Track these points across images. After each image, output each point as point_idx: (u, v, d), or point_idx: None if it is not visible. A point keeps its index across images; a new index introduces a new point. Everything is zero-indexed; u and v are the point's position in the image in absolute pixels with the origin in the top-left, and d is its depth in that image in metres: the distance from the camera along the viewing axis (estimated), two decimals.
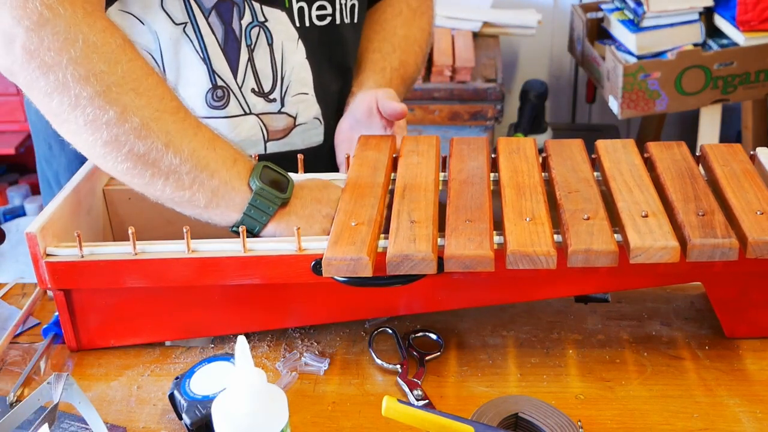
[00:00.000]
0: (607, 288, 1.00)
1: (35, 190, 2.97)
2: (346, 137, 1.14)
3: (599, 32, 2.58)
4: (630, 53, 2.37)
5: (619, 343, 0.97)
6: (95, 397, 0.90)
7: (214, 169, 0.91)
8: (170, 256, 0.90)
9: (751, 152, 1.02)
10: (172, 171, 0.89)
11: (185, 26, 1.03)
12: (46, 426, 0.78)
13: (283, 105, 1.11)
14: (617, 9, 2.51)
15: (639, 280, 0.95)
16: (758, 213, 0.87)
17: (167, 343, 0.99)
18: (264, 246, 0.90)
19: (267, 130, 1.12)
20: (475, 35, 2.65)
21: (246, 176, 0.93)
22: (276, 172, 0.95)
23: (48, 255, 0.91)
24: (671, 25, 2.36)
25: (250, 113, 1.10)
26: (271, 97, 1.10)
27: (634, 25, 2.38)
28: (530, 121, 2.71)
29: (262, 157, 1.11)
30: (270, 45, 1.08)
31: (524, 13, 2.72)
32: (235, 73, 1.07)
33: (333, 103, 1.16)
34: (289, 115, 1.12)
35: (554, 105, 3.06)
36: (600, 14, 2.59)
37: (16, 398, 0.90)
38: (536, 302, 1.03)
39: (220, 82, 1.06)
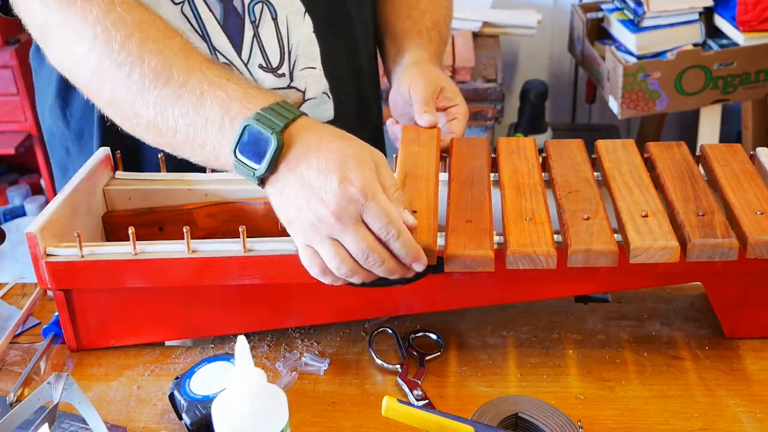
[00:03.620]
0: (607, 288, 1.00)
1: (35, 190, 2.97)
2: (400, 111, 1.14)
3: (599, 32, 2.59)
4: (630, 53, 2.37)
5: (619, 343, 0.97)
6: (95, 397, 0.90)
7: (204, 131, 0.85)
8: (170, 256, 0.90)
9: (751, 152, 1.02)
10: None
11: (182, 5, 1.03)
12: (46, 426, 0.79)
13: (292, 79, 1.10)
14: (617, 9, 2.51)
15: (639, 280, 0.95)
16: (758, 213, 0.87)
17: (167, 343, 0.99)
18: (264, 246, 0.90)
19: None
20: (475, 35, 2.65)
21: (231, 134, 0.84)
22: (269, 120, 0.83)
23: (48, 255, 0.91)
24: (671, 25, 2.36)
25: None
26: (280, 71, 1.09)
27: (634, 25, 2.38)
28: (530, 121, 2.71)
29: None
30: (274, 20, 1.07)
31: (524, 13, 2.72)
32: (239, 50, 1.06)
33: (342, 78, 1.15)
34: (299, 90, 1.11)
35: (554, 105, 3.06)
36: (600, 14, 2.59)
37: (16, 398, 0.90)
38: (536, 302, 1.03)
39: (222, 59, 1.06)
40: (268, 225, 0.99)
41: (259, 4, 1.06)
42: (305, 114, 0.85)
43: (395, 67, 1.17)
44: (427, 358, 0.94)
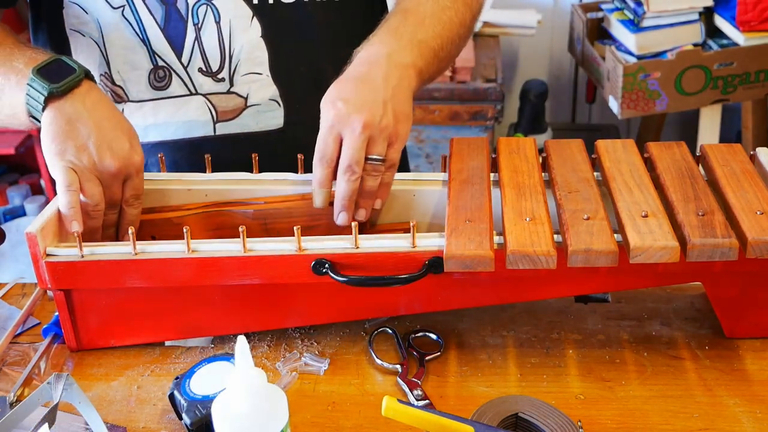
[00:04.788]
0: (607, 288, 1.00)
1: (35, 190, 2.97)
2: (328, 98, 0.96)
3: (599, 32, 2.59)
4: (630, 53, 2.37)
5: (619, 343, 0.97)
6: (95, 397, 0.90)
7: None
8: (170, 256, 0.90)
9: (751, 152, 1.02)
10: None
11: (123, 9, 1.04)
12: (46, 426, 0.79)
13: (232, 84, 1.09)
14: (617, 9, 2.51)
15: (639, 280, 0.95)
16: (758, 213, 0.87)
17: (167, 343, 0.99)
18: (264, 246, 0.90)
19: (216, 111, 1.10)
20: (475, 35, 2.65)
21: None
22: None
23: (48, 255, 0.91)
24: (671, 25, 2.36)
25: (197, 93, 1.09)
26: (219, 76, 1.08)
27: (634, 25, 2.38)
28: (530, 121, 2.71)
29: (211, 139, 1.12)
30: (217, 23, 1.06)
31: (524, 13, 2.72)
32: (179, 53, 1.06)
33: (298, 84, 1.12)
34: (239, 96, 1.10)
35: (554, 105, 3.06)
36: (600, 14, 2.59)
37: (16, 398, 0.90)
38: (536, 302, 1.03)
39: (161, 63, 1.06)
40: (257, 233, 0.99)
41: (204, 6, 1.05)
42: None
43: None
44: (427, 358, 0.94)
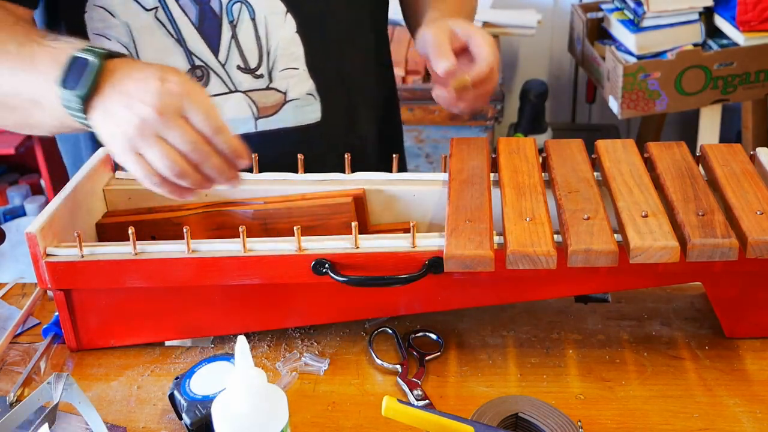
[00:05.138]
0: (607, 288, 1.00)
1: (35, 190, 2.97)
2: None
3: (599, 32, 2.59)
4: (630, 53, 2.37)
5: (619, 343, 0.97)
6: (95, 397, 0.90)
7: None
8: (170, 256, 0.90)
9: (751, 152, 1.02)
10: None
11: (156, 11, 1.03)
12: (46, 426, 0.79)
13: (271, 80, 1.10)
14: (617, 9, 2.51)
15: (639, 280, 0.95)
16: (758, 213, 0.87)
17: (167, 343, 0.99)
18: (264, 246, 0.90)
19: (257, 107, 1.10)
20: None
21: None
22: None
23: (48, 255, 0.91)
24: (671, 25, 2.36)
25: (236, 91, 1.09)
26: (258, 72, 1.09)
27: (634, 25, 2.38)
28: (530, 121, 2.71)
29: (252, 136, 1.10)
30: (253, 20, 1.07)
31: (524, 13, 2.72)
32: (215, 51, 1.06)
33: (330, 77, 1.14)
34: (279, 91, 1.10)
35: (554, 105, 3.06)
36: (600, 14, 2.59)
37: (16, 398, 0.90)
38: (536, 302, 1.03)
39: (198, 62, 1.06)
40: (257, 233, 0.99)
41: (238, 4, 1.05)
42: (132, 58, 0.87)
43: (415, 32, 1.13)
44: (427, 358, 0.94)
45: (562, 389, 0.90)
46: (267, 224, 1.02)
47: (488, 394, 0.89)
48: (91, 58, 0.83)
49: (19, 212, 2.88)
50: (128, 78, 0.82)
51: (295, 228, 0.88)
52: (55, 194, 0.97)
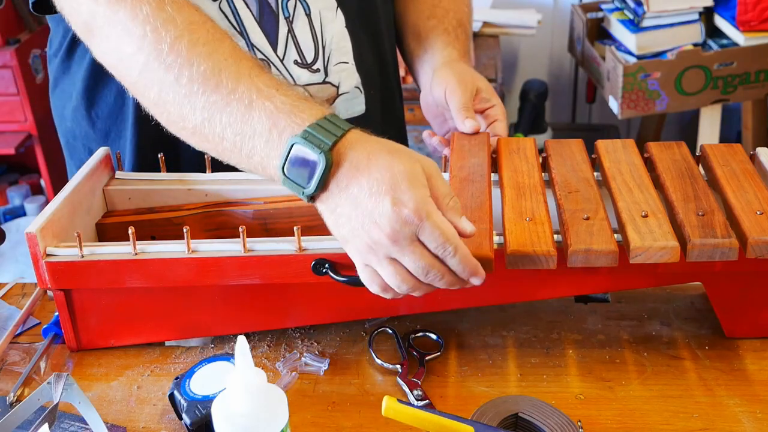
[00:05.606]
0: (607, 288, 1.00)
1: (35, 190, 2.97)
2: (434, 113, 1.17)
3: (599, 32, 2.59)
4: (630, 53, 2.37)
5: (619, 343, 0.97)
6: (95, 397, 0.90)
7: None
8: (170, 256, 0.90)
9: (751, 152, 1.02)
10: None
11: (220, 2, 1.04)
12: (46, 426, 0.79)
13: (327, 75, 1.11)
14: (617, 9, 2.51)
15: (639, 280, 0.95)
16: (758, 213, 0.87)
17: (167, 343, 0.99)
18: (264, 246, 0.90)
19: None
20: (475, 35, 2.65)
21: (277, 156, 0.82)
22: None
23: (48, 255, 0.91)
24: (671, 25, 2.36)
25: (295, 85, 1.09)
26: (315, 67, 1.10)
27: (634, 25, 2.38)
28: (530, 121, 2.72)
29: None
30: (308, 15, 1.08)
31: (524, 13, 2.72)
32: (274, 46, 1.07)
33: (371, 72, 1.17)
34: (333, 85, 1.12)
35: (554, 105, 3.06)
36: (600, 14, 2.59)
37: (16, 398, 0.90)
38: (536, 302, 1.03)
39: (260, 56, 1.06)
40: (257, 233, 0.99)
41: (293, 0, 1.06)
42: (354, 128, 0.81)
43: (423, 67, 1.18)
44: (427, 358, 0.94)
45: (562, 389, 0.90)
46: (267, 224, 1.02)
47: (488, 394, 0.89)
48: (315, 153, 0.78)
49: (19, 212, 2.89)
50: (357, 185, 0.78)
51: (295, 228, 0.88)
52: (55, 194, 0.97)
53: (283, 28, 1.07)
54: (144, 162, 1.10)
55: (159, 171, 1.07)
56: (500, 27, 2.71)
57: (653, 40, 2.35)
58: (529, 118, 2.71)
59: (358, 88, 1.14)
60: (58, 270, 0.90)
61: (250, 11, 1.05)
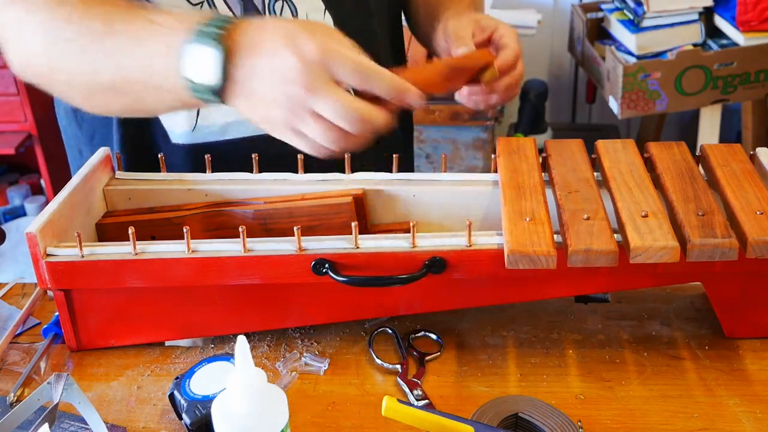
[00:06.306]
0: (607, 288, 1.00)
1: (35, 190, 2.97)
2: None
3: (599, 32, 2.59)
4: (630, 53, 2.37)
5: (619, 343, 0.97)
6: (95, 397, 0.90)
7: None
8: (170, 256, 0.90)
9: (751, 152, 1.02)
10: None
11: (201, 6, 1.03)
12: (46, 426, 0.79)
13: None
14: (617, 9, 2.51)
15: (639, 280, 0.95)
16: (758, 213, 0.87)
17: (167, 343, 0.99)
18: (264, 246, 0.90)
19: None
20: None
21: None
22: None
23: (48, 255, 0.91)
24: (671, 25, 2.36)
25: None
26: None
27: (634, 25, 2.38)
28: (530, 121, 2.71)
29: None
30: (295, 17, 1.07)
31: (524, 13, 2.72)
32: None
33: None
34: None
35: (554, 105, 3.06)
36: (600, 14, 2.59)
37: (16, 398, 0.90)
38: (536, 302, 1.03)
39: None
40: (257, 233, 0.99)
41: (279, 2, 1.06)
42: (247, 18, 0.81)
43: (432, 33, 1.15)
44: (427, 358, 0.94)
45: (562, 389, 0.90)
46: (267, 224, 1.02)
47: (488, 394, 0.89)
48: (209, 46, 0.78)
49: (19, 212, 2.89)
50: (257, 57, 0.78)
51: (295, 228, 0.88)
52: (55, 194, 0.97)
53: None
54: (131, 165, 1.10)
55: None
56: None
57: (653, 40, 2.35)
58: (529, 118, 2.71)
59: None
60: (58, 270, 0.90)
61: (233, 14, 1.04)
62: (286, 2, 1.06)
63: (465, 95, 1.06)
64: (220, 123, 1.09)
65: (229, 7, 1.04)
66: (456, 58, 1.03)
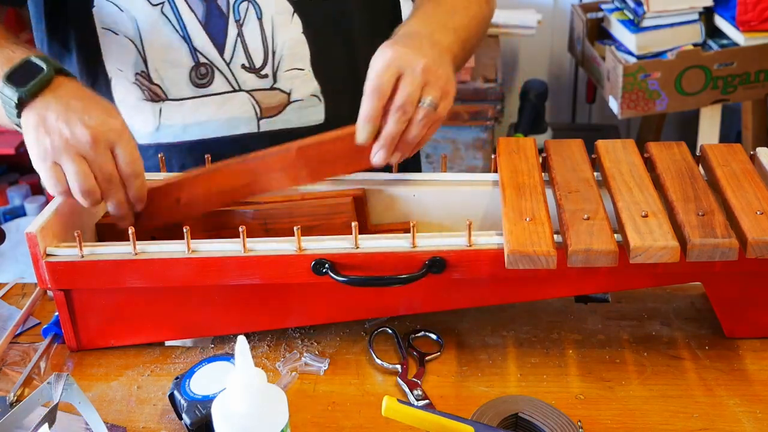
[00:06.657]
0: (607, 288, 1.00)
1: (35, 190, 2.97)
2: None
3: (599, 32, 2.59)
4: (630, 53, 2.37)
5: (619, 343, 0.97)
6: (95, 397, 0.90)
7: None
8: (170, 256, 0.90)
9: (751, 152, 1.02)
10: None
11: (162, 6, 1.04)
12: (46, 426, 0.79)
13: (275, 81, 1.09)
14: (617, 9, 2.51)
15: (639, 280, 0.95)
16: (758, 213, 0.87)
17: (167, 343, 0.99)
18: (264, 246, 0.90)
19: (260, 107, 1.10)
20: None
21: None
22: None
23: (48, 255, 0.91)
24: (671, 25, 2.36)
25: (240, 90, 1.09)
26: (263, 72, 1.08)
27: (634, 25, 2.38)
28: (530, 121, 2.71)
29: (255, 136, 1.11)
30: (259, 19, 1.06)
31: (524, 13, 2.72)
32: (221, 49, 1.06)
33: (337, 80, 1.13)
34: (283, 91, 1.10)
35: (554, 105, 3.06)
36: (600, 14, 2.59)
37: (16, 398, 0.90)
38: (536, 302, 1.03)
39: (202, 60, 1.06)
40: (257, 233, 0.99)
41: (245, 3, 1.05)
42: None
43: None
44: (427, 358, 0.94)
45: (562, 389, 0.90)
46: (267, 224, 1.02)
47: (488, 394, 0.89)
48: (46, 67, 0.90)
49: (19, 212, 2.88)
50: (74, 97, 0.90)
51: (295, 228, 0.88)
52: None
53: (232, 32, 1.06)
54: None
55: None
56: (500, 27, 2.70)
57: (653, 40, 2.35)
58: (529, 118, 2.71)
59: (315, 96, 1.12)
60: (58, 270, 0.90)
61: (195, 15, 1.05)
62: (251, 3, 1.06)
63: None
64: (180, 124, 1.10)
65: (190, 7, 1.04)
66: (315, 144, 0.98)
